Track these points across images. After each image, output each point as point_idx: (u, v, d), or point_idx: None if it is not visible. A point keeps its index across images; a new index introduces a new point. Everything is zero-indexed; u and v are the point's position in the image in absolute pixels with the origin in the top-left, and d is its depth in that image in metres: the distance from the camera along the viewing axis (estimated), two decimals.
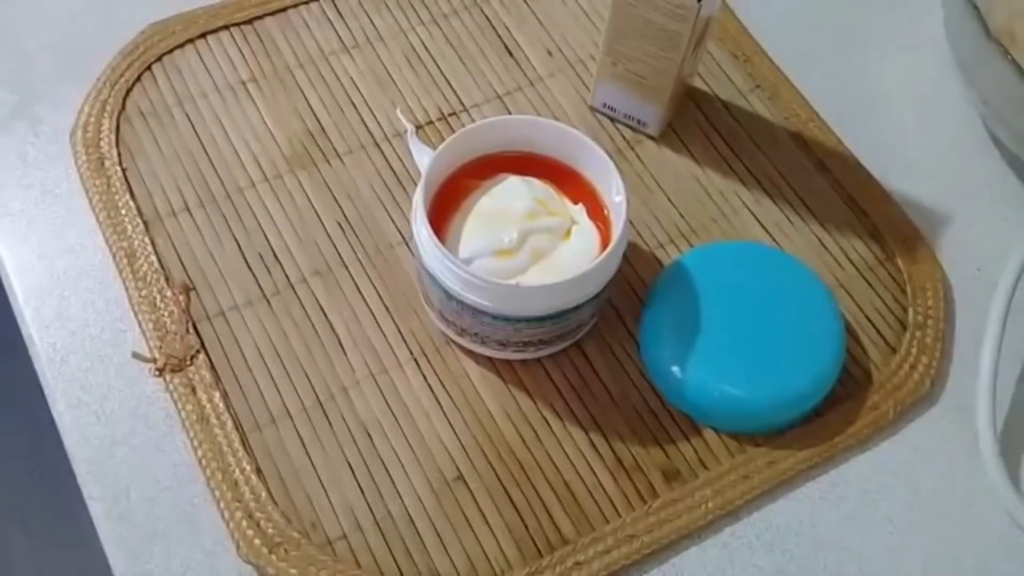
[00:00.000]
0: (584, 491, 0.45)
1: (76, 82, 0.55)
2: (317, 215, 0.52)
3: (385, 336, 0.48)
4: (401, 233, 0.51)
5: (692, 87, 0.58)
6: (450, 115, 0.56)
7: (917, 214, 0.55)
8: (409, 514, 0.44)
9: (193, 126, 0.54)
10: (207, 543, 0.43)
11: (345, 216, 0.52)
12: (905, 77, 0.60)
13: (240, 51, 0.56)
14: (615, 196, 0.44)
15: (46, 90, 0.55)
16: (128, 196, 0.51)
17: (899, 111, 0.59)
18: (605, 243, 0.45)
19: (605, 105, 0.56)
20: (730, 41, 0.60)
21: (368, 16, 0.59)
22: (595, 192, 0.46)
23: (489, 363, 0.48)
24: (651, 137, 0.56)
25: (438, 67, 0.57)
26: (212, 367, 0.47)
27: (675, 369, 0.46)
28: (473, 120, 0.55)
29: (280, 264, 0.50)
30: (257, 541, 0.43)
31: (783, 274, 0.49)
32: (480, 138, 0.46)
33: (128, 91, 0.54)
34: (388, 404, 0.47)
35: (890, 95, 0.60)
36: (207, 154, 0.53)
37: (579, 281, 0.42)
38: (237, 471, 0.44)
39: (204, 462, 0.44)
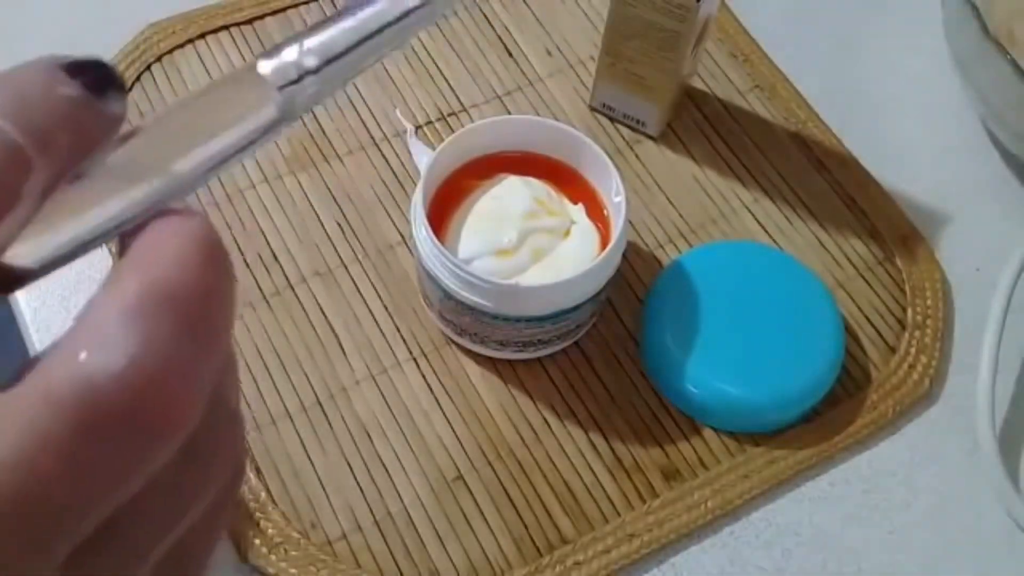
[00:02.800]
0: (584, 491, 0.45)
1: None
2: (317, 216, 0.52)
3: (385, 336, 0.48)
4: (401, 233, 0.51)
5: (691, 87, 0.58)
6: (450, 115, 0.56)
7: (916, 214, 0.55)
8: (409, 514, 0.44)
9: None
10: None
11: (345, 217, 0.52)
12: (904, 77, 0.60)
13: (240, 51, 0.56)
14: (614, 196, 0.45)
15: None
16: None
17: (898, 111, 0.59)
18: (604, 243, 0.45)
19: (604, 105, 0.56)
20: (729, 41, 0.60)
21: None
22: (594, 192, 0.46)
23: (489, 363, 0.48)
24: (650, 137, 0.56)
25: (438, 67, 0.57)
26: None
27: (675, 369, 0.46)
28: (473, 120, 0.55)
29: (280, 265, 0.50)
30: (257, 541, 0.43)
31: (782, 274, 0.49)
32: (480, 138, 0.46)
33: (127, 91, 0.54)
34: (388, 404, 0.47)
35: (889, 95, 0.60)
36: None
37: (579, 281, 0.42)
38: None
39: None
